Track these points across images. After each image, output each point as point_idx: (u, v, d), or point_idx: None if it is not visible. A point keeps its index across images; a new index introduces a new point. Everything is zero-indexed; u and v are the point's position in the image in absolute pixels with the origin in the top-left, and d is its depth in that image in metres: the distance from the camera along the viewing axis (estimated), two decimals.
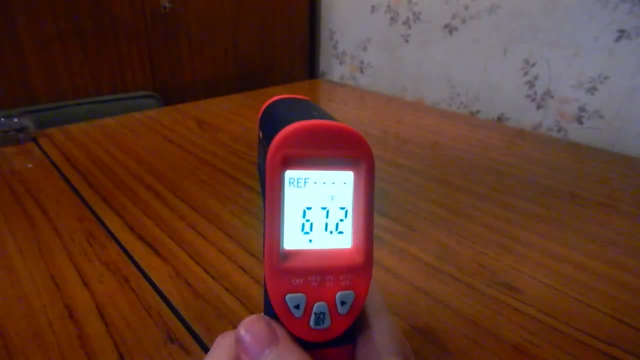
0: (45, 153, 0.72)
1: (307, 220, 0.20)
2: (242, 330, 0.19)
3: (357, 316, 0.21)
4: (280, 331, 0.19)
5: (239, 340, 0.19)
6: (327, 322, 0.20)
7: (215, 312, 0.39)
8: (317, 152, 0.19)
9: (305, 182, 0.19)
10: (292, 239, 0.20)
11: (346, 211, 0.20)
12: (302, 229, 0.20)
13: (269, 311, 0.20)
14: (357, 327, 0.22)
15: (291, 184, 0.19)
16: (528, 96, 1.05)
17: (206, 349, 0.35)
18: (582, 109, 0.96)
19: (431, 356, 0.35)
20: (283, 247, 0.20)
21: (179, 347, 0.35)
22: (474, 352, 0.36)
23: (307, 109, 0.22)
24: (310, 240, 0.20)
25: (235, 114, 0.96)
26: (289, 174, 0.19)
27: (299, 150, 0.19)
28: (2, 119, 0.75)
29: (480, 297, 0.41)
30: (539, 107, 1.03)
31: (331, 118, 0.20)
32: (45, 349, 0.34)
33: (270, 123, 0.21)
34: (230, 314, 0.39)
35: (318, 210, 0.20)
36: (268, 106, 0.24)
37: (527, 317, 0.39)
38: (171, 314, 0.38)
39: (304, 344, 0.20)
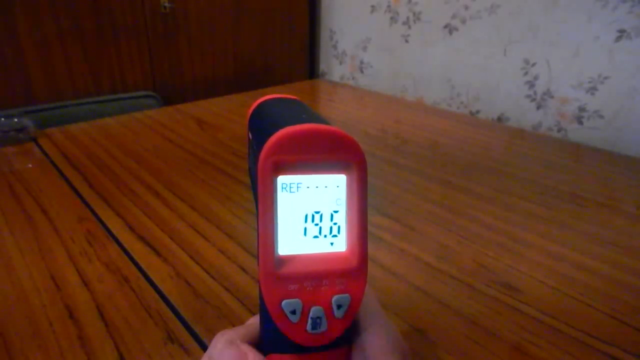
0: (45, 153, 0.72)
1: (301, 225, 0.20)
2: (213, 357, 0.20)
3: (354, 319, 0.21)
4: (251, 355, 0.20)
5: None
6: (324, 326, 0.20)
7: (215, 312, 0.39)
8: (308, 157, 0.19)
9: (297, 187, 0.19)
10: (287, 245, 0.20)
11: (340, 214, 0.20)
12: (296, 234, 0.20)
13: (265, 316, 0.20)
14: (353, 329, 0.22)
15: (284, 189, 0.19)
16: (528, 96, 1.04)
17: (206, 349, 0.35)
18: (582, 109, 0.96)
19: (431, 356, 0.35)
20: (277, 253, 0.19)
21: (179, 347, 0.35)
22: (473, 352, 0.36)
23: (297, 112, 0.21)
24: (305, 245, 0.20)
25: (235, 114, 0.96)
26: (281, 179, 0.19)
27: (290, 156, 0.18)
28: (2, 119, 0.75)
29: (480, 297, 0.41)
30: (539, 107, 1.03)
31: (321, 120, 0.20)
32: (45, 349, 0.34)
33: (260, 127, 0.21)
34: (230, 313, 0.39)
35: (311, 215, 0.20)
36: (256, 108, 0.24)
37: (527, 317, 0.39)
38: (171, 314, 0.38)
39: (302, 349, 0.20)
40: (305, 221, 0.20)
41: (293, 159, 0.18)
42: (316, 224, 0.20)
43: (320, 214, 0.20)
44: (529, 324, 0.38)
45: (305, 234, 0.20)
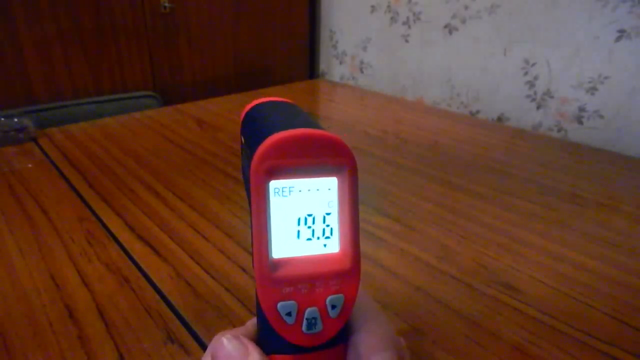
0: (45, 153, 0.72)
1: (294, 228, 0.20)
2: (216, 350, 0.21)
3: (348, 318, 0.21)
4: (251, 346, 0.20)
5: (215, 358, 0.21)
6: (319, 327, 0.20)
7: (215, 312, 0.39)
8: (300, 162, 0.19)
9: (290, 191, 0.20)
10: (280, 248, 0.20)
11: (332, 217, 0.21)
12: (290, 237, 0.20)
13: (262, 318, 0.20)
14: (348, 327, 0.22)
15: (276, 194, 0.19)
16: (528, 96, 1.05)
17: (206, 349, 0.35)
18: (582, 109, 0.96)
19: (431, 356, 0.35)
20: (272, 257, 0.20)
21: (179, 347, 0.35)
22: (474, 352, 0.36)
23: (289, 116, 0.22)
24: (298, 248, 0.20)
25: (235, 114, 0.96)
26: (274, 184, 0.19)
27: (282, 161, 0.19)
28: (2, 119, 0.75)
29: (480, 297, 0.41)
30: (539, 107, 1.03)
31: (312, 123, 0.20)
32: (45, 349, 0.34)
33: (253, 131, 0.21)
34: (230, 313, 0.39)
35: (304, 218, 0.20)
36: (248, 112, 0.24)
37: (527, 317, 0.39)
38: (171, 314, 0.38)
39: (298, 349, 0.20)
40: (298, 224, 0.20)
41: (285, 164, 0.19)
42: (309, 227, 0.20)
43: (312, 216, 0.20)
44: (529, 324, 0.38)
45: (298, 236, 0.20)
